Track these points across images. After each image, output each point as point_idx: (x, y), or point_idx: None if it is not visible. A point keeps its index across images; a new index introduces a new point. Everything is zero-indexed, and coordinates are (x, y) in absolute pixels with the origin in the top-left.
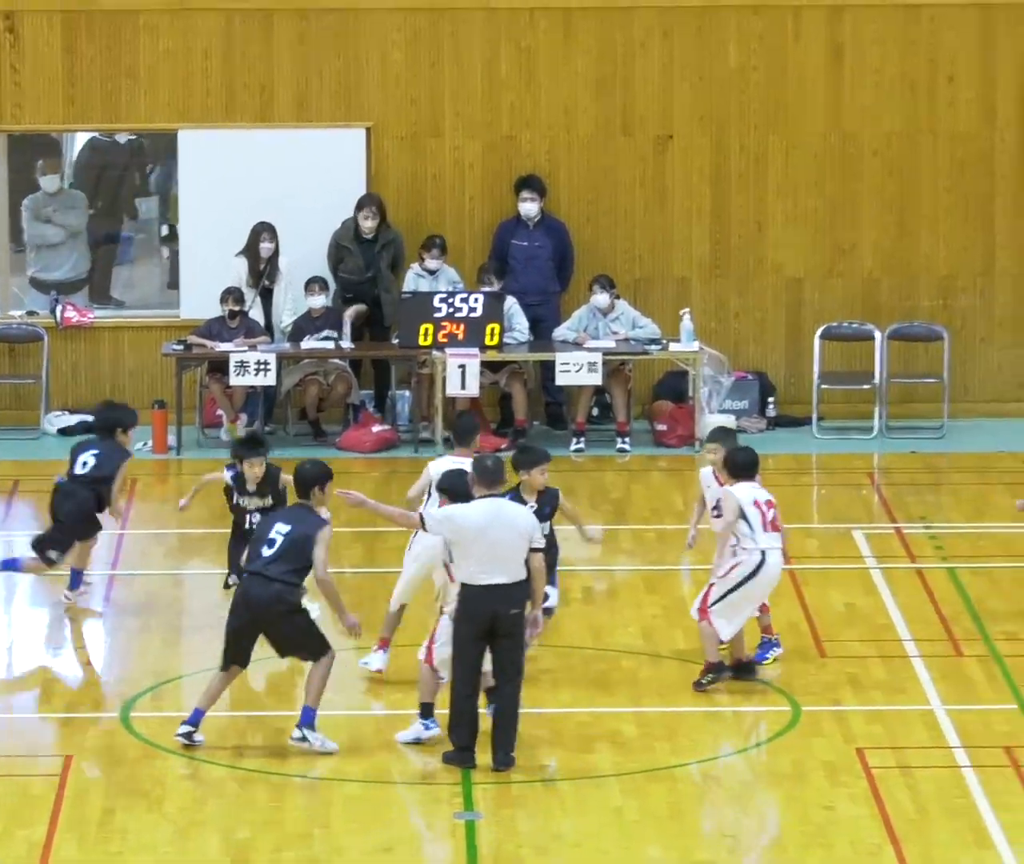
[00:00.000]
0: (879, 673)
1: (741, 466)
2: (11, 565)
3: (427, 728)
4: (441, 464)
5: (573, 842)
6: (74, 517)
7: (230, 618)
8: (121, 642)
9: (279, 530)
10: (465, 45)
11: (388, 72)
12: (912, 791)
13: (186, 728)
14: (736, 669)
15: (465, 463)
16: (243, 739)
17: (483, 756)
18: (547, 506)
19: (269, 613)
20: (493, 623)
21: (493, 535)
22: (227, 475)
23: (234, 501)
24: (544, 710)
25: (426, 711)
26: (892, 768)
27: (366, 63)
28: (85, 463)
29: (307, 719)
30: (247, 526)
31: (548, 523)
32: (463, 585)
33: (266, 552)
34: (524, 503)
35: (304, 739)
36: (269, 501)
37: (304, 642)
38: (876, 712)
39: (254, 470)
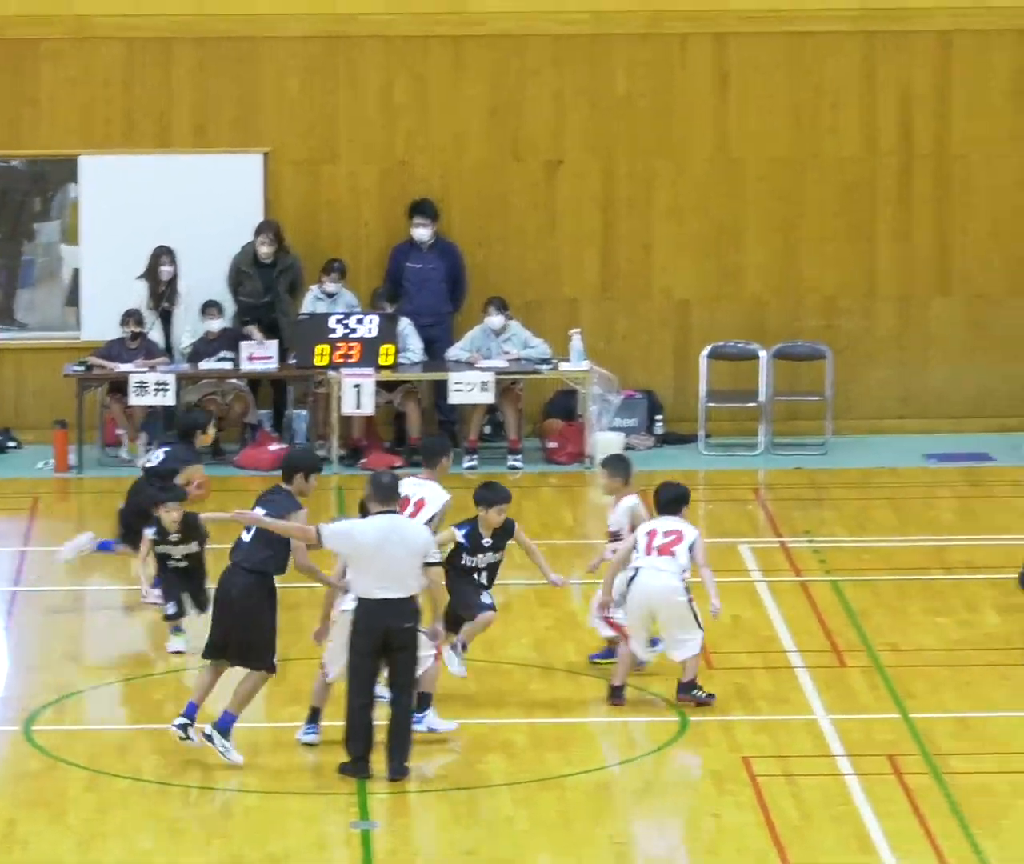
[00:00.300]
0: (765, 684)
1: (662, 503)
2: (105, 547)
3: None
4: (405, 485)
5: (466, 850)
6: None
7: (212, 610)
8: (23, 657)
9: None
10: (360, 72)
11: (284, 99)
12: (797, 799)
13: (181, 720)
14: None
15: (430, 485)
16: (145, 751)
17: (379, 766)
18: (502, 539)
19: (237, 606)
20: (387, 637)
21: (388, 551)
22: (149, 532)
23: (158, 550)
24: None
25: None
26: (777, 776)
27: (263, 90)
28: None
29: (224, 723)
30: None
31: (502, 552)
32: (359, 599)
33: (244, 538)
34: (480, 537)
35: (211, 739)
36: (194, 548)
37: (256, 647)
38: (762, 722)
39: (172, 516)
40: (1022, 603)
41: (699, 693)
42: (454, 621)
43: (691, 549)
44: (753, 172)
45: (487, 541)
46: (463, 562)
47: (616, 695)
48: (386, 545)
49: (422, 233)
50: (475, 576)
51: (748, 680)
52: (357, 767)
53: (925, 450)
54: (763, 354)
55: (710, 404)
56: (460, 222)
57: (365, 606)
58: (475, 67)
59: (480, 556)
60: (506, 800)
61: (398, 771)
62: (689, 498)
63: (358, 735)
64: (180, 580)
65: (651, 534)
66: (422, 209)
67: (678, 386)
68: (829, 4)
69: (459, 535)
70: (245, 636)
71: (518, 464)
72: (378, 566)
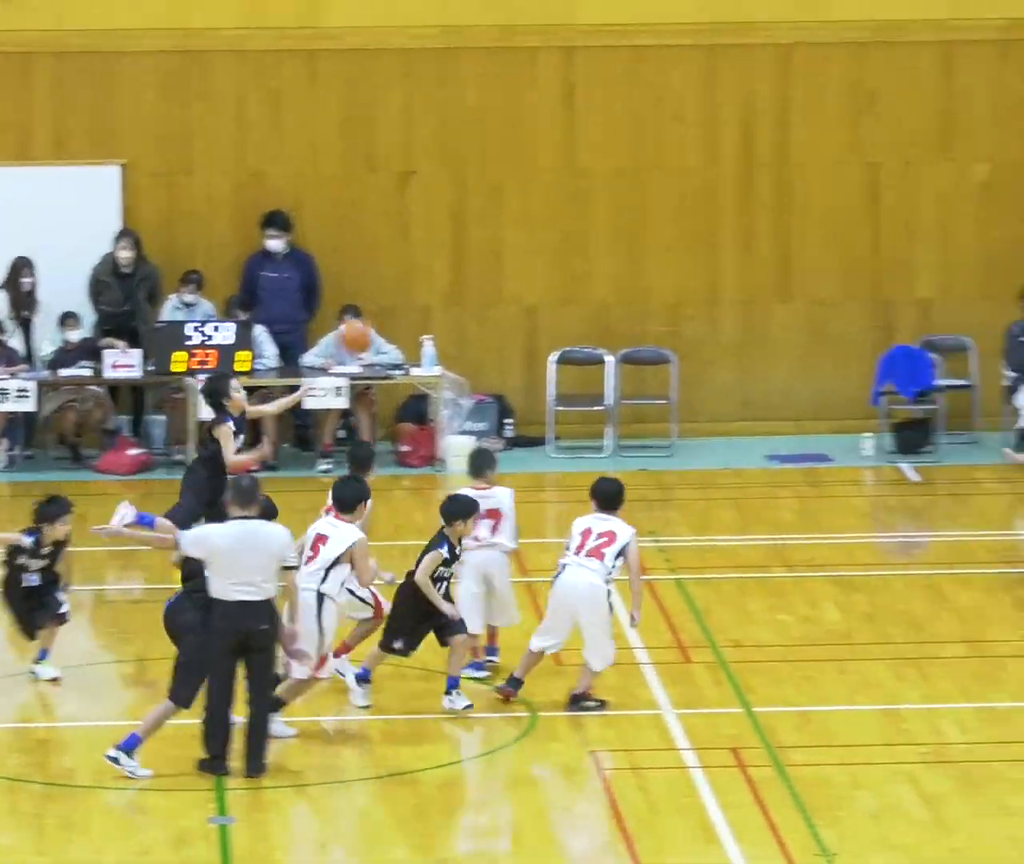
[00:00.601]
0: (612, 679)
1: (600, 499)
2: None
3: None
4: (323, 523)
5: (321, 842)
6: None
7: None
8: None
9: None
10: (215, 86)
11: (141, 112)
12: (644, 791)
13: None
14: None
15: (343, 526)
16: (4, 748)
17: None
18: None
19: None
20: (245, 638)
21: (245, 554)
22: (27, 540)
23: (17, 561)
24: (295, 718)
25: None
26: (625, 769)
27: (120, 103)
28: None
29: (129, 745)
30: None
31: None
32: (217, 601)
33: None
34: (454, 548)
35: (117, 761)
36: (48, 563)
37: (177, 669)
38: (610, 717)
39: (56, 532)
40: (861, 600)
41: (591, 704)
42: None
43: (622, 552)
44: (599, 182)
45: (457, 550)
46: (435, 574)
47: (513, 684)
48: (243, 549)
49: (275, 244)
50: (440, 586)
51: (596, 677)
52: (215, 764)
53: (766, 451)
54: (609, 359)
55: (558, 408)
56: (315, 232)
57: (223, 608)
58: (328, 81)
59: (453, 566)
60: (361, 794)
61: (256, 768)
62: (624, 495)
63: (216, 734)
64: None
65: (585, 533)
66: (275, 221)
67: (527, 390)
68: (672, 18)
69: (444, 552)
70: (177, 656)
71: (328, 467)
72: (235, 569)
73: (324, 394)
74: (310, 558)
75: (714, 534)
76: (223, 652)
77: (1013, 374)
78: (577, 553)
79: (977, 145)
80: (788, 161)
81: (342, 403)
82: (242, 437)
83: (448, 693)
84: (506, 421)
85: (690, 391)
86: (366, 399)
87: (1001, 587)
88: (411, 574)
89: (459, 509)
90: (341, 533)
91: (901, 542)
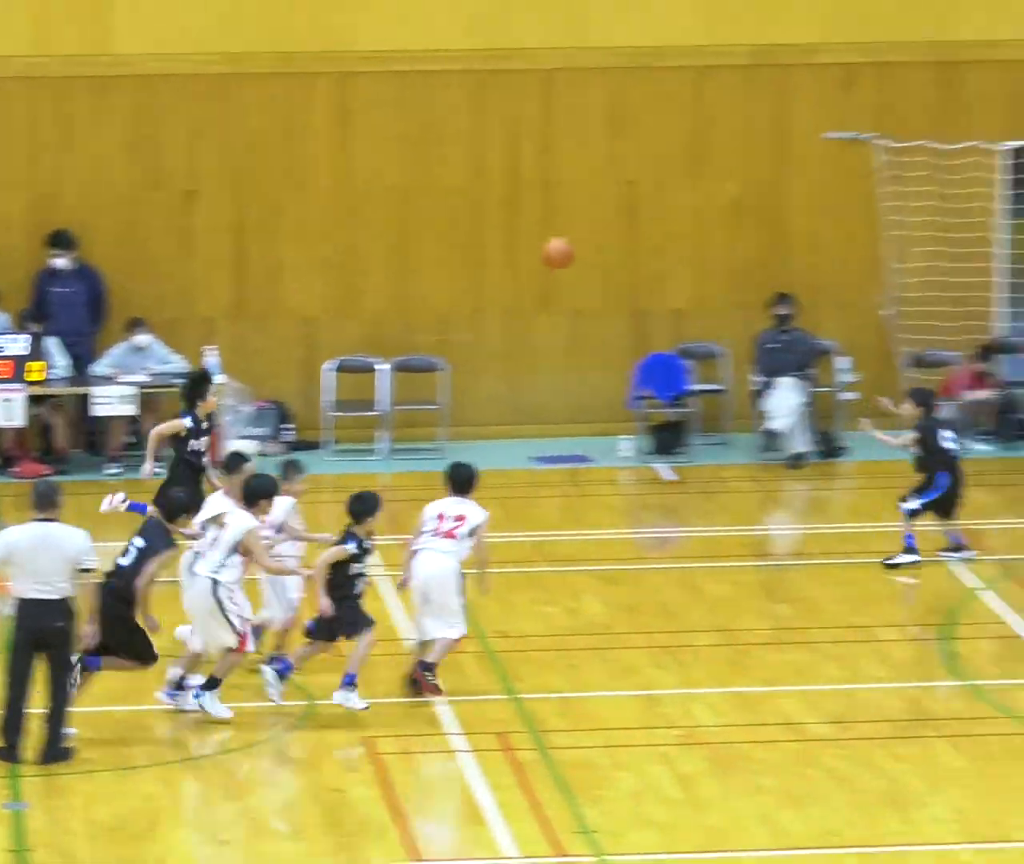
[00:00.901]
0: (385, 671)
1: (454, 484)
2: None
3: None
4: (212, 501)
5: (111, 827)
6: None
7: None
8: None
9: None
10: (9, 110)
11: None
12: (415, 774)
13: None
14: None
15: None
16: None
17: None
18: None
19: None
20: (42, 635)
21: (42, 555)
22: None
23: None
24: (86, 709)
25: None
26: (397, 754)
27: None
28: None
29: None
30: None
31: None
32: (18, 599)
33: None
34: (362, 541)
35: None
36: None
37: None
38: (385, 705)
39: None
40: (621, 592)
41: (431, 678)
42: (330, 631)
43: (473, 532)
44: (373, 200)
45: (366, 544)
46: (350, 571)
47: (426, 667)
48: (40, 549)
49: (60, 262)
50: (356, 584)
51: (370, 668)
52: (9, 753)
53: (531, 453)
54: (383, 367)
55: (335, 413)
56: (103, 248)
57: (22, 606)
58: (116, 104)
59: (365, 560)
60: (149, 780)
61: (52, 756)
62: (478, 478)
63: (11, 725)
64: None
65: (440, 517)
66: (59, 240)
67: (306, 397)
68: (441, 46)
69: (351, 547)
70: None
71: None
72: (32, 569)
73: (112, 402)
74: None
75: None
76: (21, 647)
77: (761, 379)
78: (434, 535)
79: (726, 165)
80: (551, 180)
81: (130, 410)
82: (205, 439)
83: (343, 688)
84: (285, 426)
85: (459, 397)
86: (152, 406)
87: (750, 579)
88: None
89: (367, 507)
90: (236, 520)
91: (657, 537)
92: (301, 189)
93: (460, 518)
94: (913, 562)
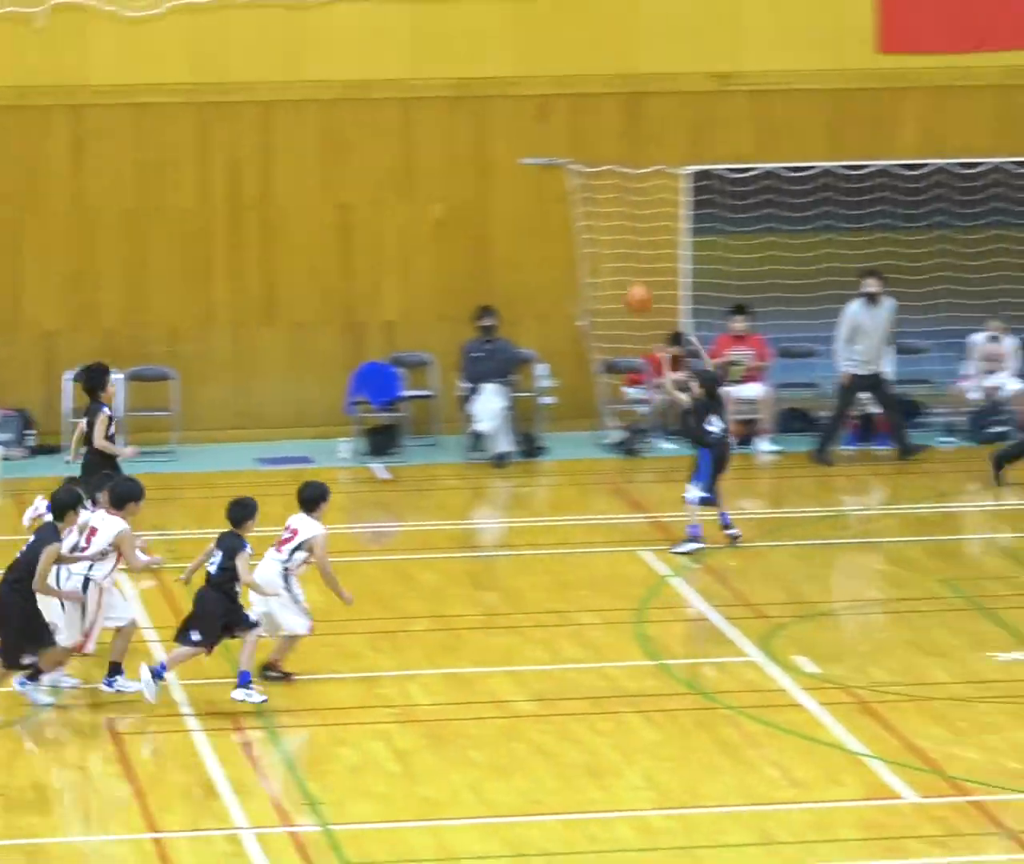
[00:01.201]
0: (127, 660)
1: (300, 501)
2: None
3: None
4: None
5: None
6: None
7: None
8: None
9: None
10: None
11: None
12: (154, 752)
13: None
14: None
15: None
16: None
17: None
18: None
19: None
20: None
21: None
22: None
23: None
24: None
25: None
26: (136, 734)
27: None
28: None
29: None
30: None
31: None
32: None
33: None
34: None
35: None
36: None
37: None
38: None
39: None
40: (341, 583)
41: (276, 674)
42: (220, 630)
43: (301, 547)
44: (107, 221)
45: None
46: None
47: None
48: None
49: None
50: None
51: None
52: None
53: (256, 455)
54: (118, 376)
55: (73, 420)
56: None
57: None
58: None
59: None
60: None
61: None
62: (326, 496)
63: None
64: None
65: (286, 528)
66: None
67: (47, 405)
68: (168, 79)
69: (248, 549)
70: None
71: None
72: None
73: None
74: (84, 549)
75: (211, 527)
76: None
77: (468, 385)
78: (274, 544)
79: (433, 188)
80: (271, 203)
81: None
82: (115, 423)
83: (240, 687)
84: (28, 432)
85: (189, 403)
86: None
87: (459, 569)
88: (209, 576)
89: (247, 512)
90: (108, 525)
91: (374, 532)
92: (39, 211)
93: (292, 532)
94: (698, 549)
